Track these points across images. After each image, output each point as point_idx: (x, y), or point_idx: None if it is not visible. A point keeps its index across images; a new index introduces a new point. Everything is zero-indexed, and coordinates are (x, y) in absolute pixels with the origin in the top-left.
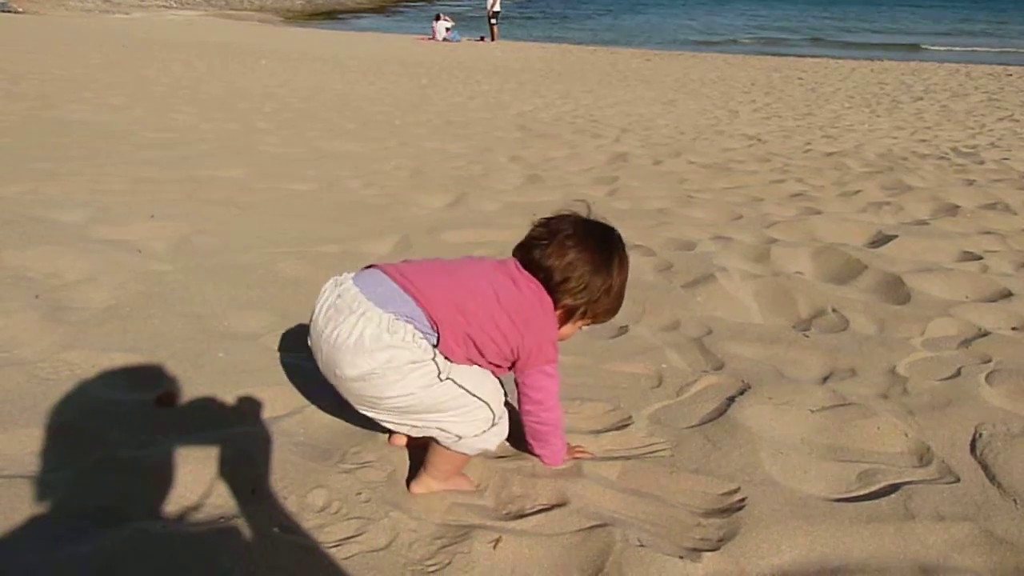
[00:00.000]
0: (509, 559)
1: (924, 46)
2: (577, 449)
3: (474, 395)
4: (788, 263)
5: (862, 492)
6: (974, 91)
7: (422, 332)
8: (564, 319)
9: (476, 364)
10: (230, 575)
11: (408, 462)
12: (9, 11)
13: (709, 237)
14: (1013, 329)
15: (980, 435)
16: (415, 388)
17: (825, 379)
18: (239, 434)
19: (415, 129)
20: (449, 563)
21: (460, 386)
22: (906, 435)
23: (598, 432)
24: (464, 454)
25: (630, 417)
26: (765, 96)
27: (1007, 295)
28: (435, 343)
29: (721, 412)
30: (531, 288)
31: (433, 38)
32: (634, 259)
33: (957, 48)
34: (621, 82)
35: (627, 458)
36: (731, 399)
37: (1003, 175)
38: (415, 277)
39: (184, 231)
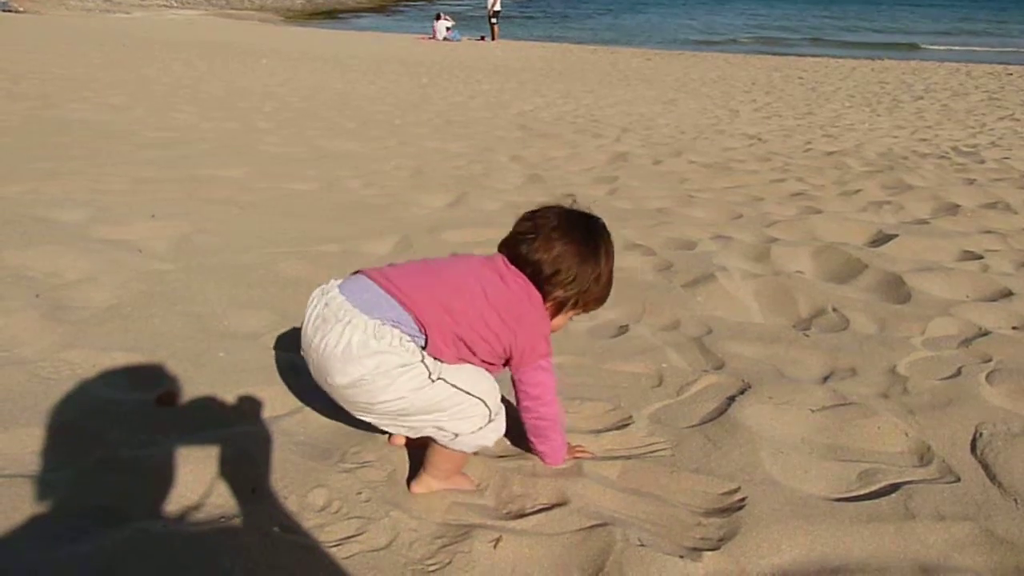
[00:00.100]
0: (509, 558)
1: (924, 45)
2: (577, 449)
3: (468, 393)
4: (788, 262)
5: (862, 492)
6: (975, 90)
7: (410, 335)
8: (555, 311)
9: (476, 363)
10: (230, 575)
11: (408, 462)
12: (10, 10)
13: (709, 236)
14: (1013, 328)
15: (980, 434)
16: (406, 391)
17: (825, 378)
18: (239, 433)
19: (415, 128)
20: (449, 562)
21: (452, 385)
22: (906, 434)
23: (598, 432)
24: (463, 452)
25: (630, 417)
26: (766, 95)
27: (1007, 294)
28: (423, 345)
29: (721, 412)
30: (519, 284)
31: (433, 37)
32: (634, 258)
33: (957, 48)
34: (622, 81)
35: (627, 457)
36: (731, 399)
37: (1004, 174)
38: (400, 281)
39: (185, 230)
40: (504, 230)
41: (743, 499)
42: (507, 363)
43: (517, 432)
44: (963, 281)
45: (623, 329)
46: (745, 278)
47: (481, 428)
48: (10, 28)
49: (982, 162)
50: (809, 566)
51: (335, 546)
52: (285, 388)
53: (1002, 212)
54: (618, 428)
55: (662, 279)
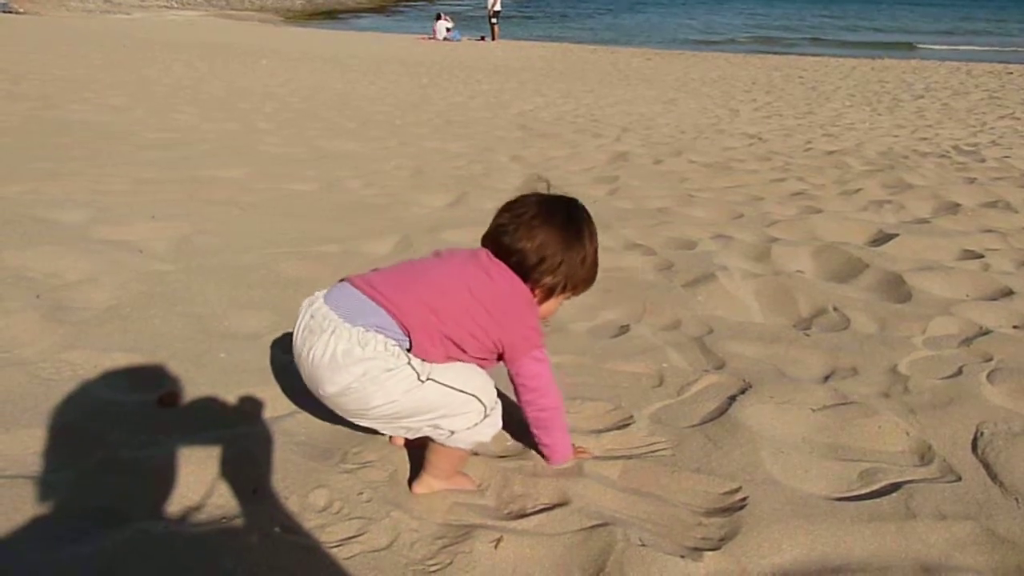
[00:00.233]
0: (510, 559)
1: (924, 45)
2: (579, 449)
3: (459, 390)
4: (789, 262)
5: (863, 491)
6: (975, 89)
7: (395, 340)
8: (545, 296)
9: (468, 360)
10: (232, 575)
11: (409, 462)
12: (10, 11)
13: (710, 236)
14: (1014, 327)
15: (981, 434)
16: (397, 394)
17: (826, 378)
18: (240, 434)
19: (416, 129)
20: (451, 563)
21: (443, 384)
22: (907, 434)
23: (599, 431)
24: (461, 449)
25: (631, 416)
26: (766, 95)
27: (1008, 293)
28: (408, 348)
29: (722, 411)
30: (504, 277)
31: (434, 38)
32: (635, 258)
33: (958, 47)
34: (622, 81)
35: (628, 457)
36: (732, 398)
37: (1004, 173)
38: (383, 286)
39: (185, 231)
40: None
41: (744, 499)
42: (500, 358)
43: (520, 430)
44: (964, 280)
45: (624, 329)
46: (745, 278)
47: (477, 424)
48: (10, 29)
49: (983, 161)
50: (810, 566)
51: (336, 546)
52: (286, 388)
53: (1003, 211)
54: (619, 428)
55: (663, 279)
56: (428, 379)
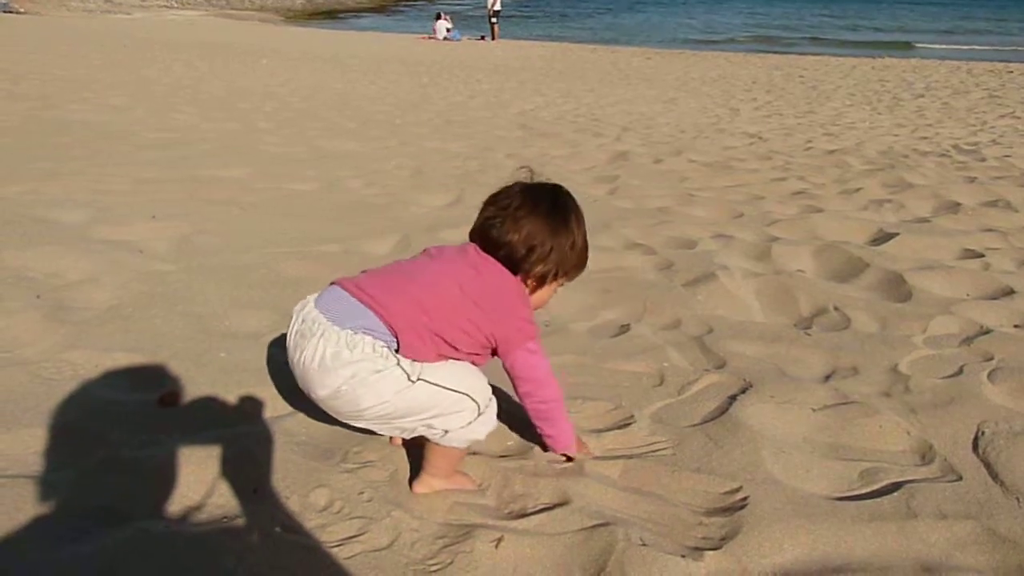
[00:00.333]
0: (511, 558)
1: (924, 44)
2: (581, 444)
3: (451, 390)
4: (789, 261)
5: (864, 491)
6: (975, 88)
7: (383, 341)
8: (538, 285)
9: (461, 357)
10: (233, 575)
11: (410, 461)
12: (11, 11)
13: (710, 235)
14: (1015, 327)
15: (982, 433)
16: (388, 396)
17: (827, 377)
18: (241, 434)
19: (416, 128)
20: (451, 562)
21: (434, 384)
22: (908, 433)
23: (600, 431)
24: (457, 448)
25: (632, 416)
26: (766, 94)
27: (1009, 293)
28: (397, 349)
29: (723, 411)
30: (493, 271)
31: (434, 37)
32: (635, 257)
33: (959, 46)
34: (622, 81)
35: (629, 457)
36: (733, 398)
37: (1004, 172)
38: (371, 287)
39: (185, 231)
40: None
41: (745, 498)
42: (495, 352)
43: (521, 430)
44: (964, 279)
45: (624, 328)
46: (746, 277)
47: (470, 423)
48: (11, 29)
49: (983, 160)
50: (811, 565)
51: (337, 546)
52: (286, 388)
53: (1003, 210)
54: (619, 427)
55: (663, 278)
56: (419, 379)
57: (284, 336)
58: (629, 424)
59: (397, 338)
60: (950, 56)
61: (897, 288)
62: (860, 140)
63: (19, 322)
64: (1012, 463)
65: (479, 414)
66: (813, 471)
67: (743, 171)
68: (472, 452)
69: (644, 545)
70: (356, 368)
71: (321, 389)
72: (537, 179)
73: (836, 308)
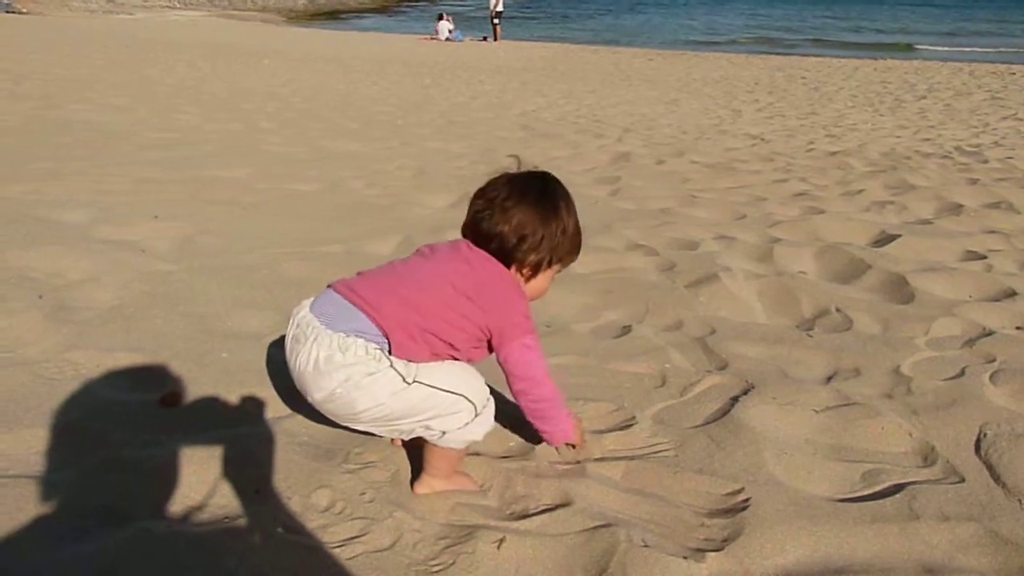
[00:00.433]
0: (513, 559)
1: (926, 46)
2: (577, 439)
3: (447, 391)
4: (791, 263)
5: (866, 492)
6: (977, 90)
7: (376, 344)
8: (532, 274)
9: (451, 357)
10: (234, 575)
11: (411, 462)
12: (13, 11)
13: (712, 237)
14: (1017, 328)
15: (985, 435)
16: (384, 398)
17: (829, 379)
18: (243, 434)
19: (418, 129)
20: (453, 563)
21: (430, 386)
22: (910, 435)
23: (602, 432)
24: (455, 449)
25: (634, 417)
26: (768, 95)
27: (1011, 294)
28: (390, 350)
29: (725, 412)
30: (486, 265)
31: (436, 38)
32: (637, 259)
33: (962, 48)
34: (624, 82)
35: (631, 458)
36: (735, 399)
37: (1007, 174)
38: (364, 289)
39: (187, 231)
40: None
41: (747, 500)
42: (492, 349)
43: (522, 430)
44: (966, 281)
45: (626, 329)
46: (748, 278)
47: (468, 424)
48: (13, 29)
49: (985, 162)
50: (813, 567)
51: (339, 547)
52: (288, 389)
53: (1005, 212)
54: (621, 429)
55: (665, 279)
56: (415, 381)
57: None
58: (631, 425)
59: (388, 339)
60: (952, 58)
61: (899, 290)
62: (862, 142)
63: (21, 322)
64: (1014, 465)
65: (476, 415)
66: (815, 472)
67: (745, 172)
68: (474, 453)
69: (646, 546)
70: (349, 371)
71: (316, 392)
72: (524, 167)
73: (838, 309)
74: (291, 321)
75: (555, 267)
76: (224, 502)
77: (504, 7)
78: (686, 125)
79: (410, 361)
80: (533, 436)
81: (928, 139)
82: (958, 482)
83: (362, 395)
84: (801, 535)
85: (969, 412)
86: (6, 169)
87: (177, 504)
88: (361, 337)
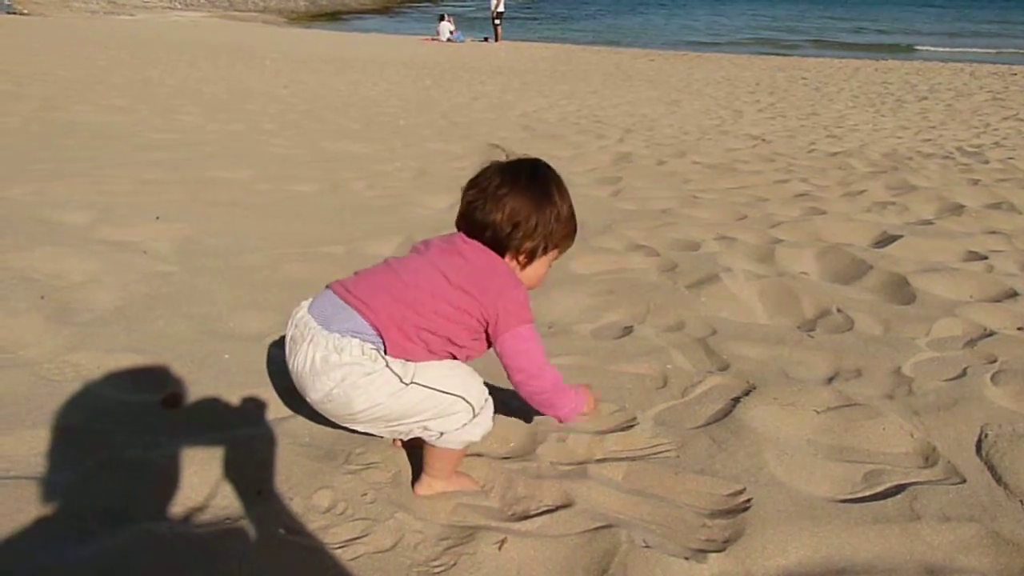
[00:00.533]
0: (514, 560)
1: (927, 46)
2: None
3: (445, 392)
4: (793, 263)
5: (868, 493)
6: (979, 90)
7: (372, 343)
8: (528, 261)
9: (449, 354)
10: None
11: (413, 463)
12: (14, 12)
13: (713, 237)
14: (1019, 329)
15: (986, 435)
16: (381, 398)
17: (830, 380)
18: (244, 435)
19: (419, 130)
20: (455, 564)
21: (427, 387)
22: (912, 436)
23: (603, 433)
24: (454, 450)
25: (635, 418)
26: (769, 96)
27: (1012, 295)
28: (385, 350)
29: (726, 413)
30: (479, 255)
31: (437, 39)
32: (639, 259)
33: (965, 49)
34: (625, 82)
35: (632, 459)
36: (736, 400)
37: (1008, 174)
38: (359, 289)
39: (189, 232)
40: None
41: (748, 500)
42: (491, 343)
43: (525, 430)
44: (968, 282)
45: (627, 330)
46: (749, 279)
47: (465, 425)
48: (14, 30)
49: (986, 162)
50: (814, 567)
51: (340, 548)
52: (289, 390)
53: (1007, 212)
54: (623, 429)
55: (666, 280)
56: (412, 382)
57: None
58: (632, 426)
59: (383, 338)
60: (953, 58)
61: (900, 290)
62: (863, 142)
63: (22, 323)
64: (1015, 466)
65: (474, 416)
66: (816, 473)
67: (746, 173)
68: (475, 454)
69: (647, 547)
70: (345, 371)
71: (314, 393)
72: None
73: (839, 310)
74: (290, 322)
75: (551, 253)
76: (225, 503)
77: (505, 8)
78: (687, 126)
79: (406, 360)
80: (534, 437)
81: (929, 140)
82: (959, 483)
83: (359, 395)
84: (803, 536)
85: (970, 413)
86: (8, 170)
87: (178, 505)
88: (357, 337)
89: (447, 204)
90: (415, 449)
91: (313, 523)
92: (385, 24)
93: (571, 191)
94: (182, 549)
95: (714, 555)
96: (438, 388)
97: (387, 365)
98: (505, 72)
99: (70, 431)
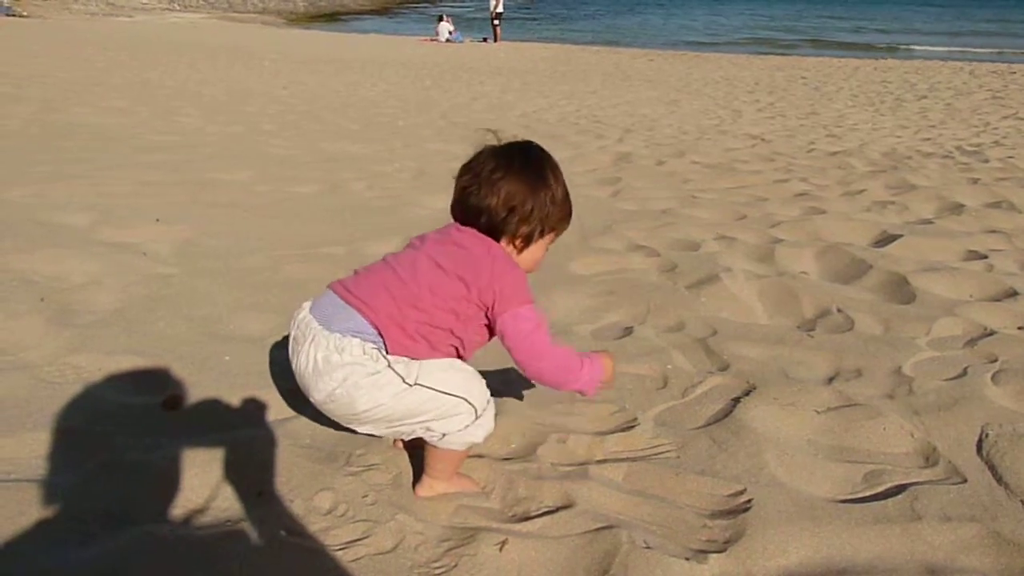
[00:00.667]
0: (515, 561)
1: (927, 46)
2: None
3: (448, 394)
4: (792, 263)
5: (868, 493)
6: (978, 89)
7: (372, 343)
8: (525, 245)
9: (451, 347)
10: None
11: (413, 465)
12: (13, 15)
13: (713, 237)
14: (1019, 328)
15: (986, 435)
16: (384, 399)
17: (831, 380)
18: (245, 437)
19: (418, 131)
20: (455, 565)
21: (431, 388)
22: (912, 435)
23: (603, 434)
24: (455, 451)
25: (635, 419)
26: (768, 96)
27: (1012, 294)
28: (386, 349)
29: (726, 413)
30: (475, 242)
31: (436, 39)
32: (639, 260)
33: (964, 48)
34: (624, 82)
35: (633, 460)
36: (736, 400)
37: (1008, 173)
38: (358, 288)
39: (189, 234)
40: None
41: (749, 501)
42: (492, 332)
43: (526, 431)
44: (968, 281)
45: (627, 331)
46: (749, 279)
47: (468, 426)
48: (14, 32)
49: (986, 161)
50: (815, 568)
51: (341, 549)
52: (290, 391)
53: (1007, 211)
54: (623, 430)
55: (666, 280)
56: (416, 383)
57: (288, 339)
58: (633, 427)
59: (382, 336)
60: (952, 57)
61: (900, 290)
62: (863, 141)
63: (23, 325)
64: (1016, 465)
65: (477, 417)
66: (817, 473)
67: (746, 173)
68: (476, 455)
69: (648, 548)
70: (347, 371)
71: (317, 393)
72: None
73: (839, 310)
74: (292, 322)
75: (548, 236)
76: (226, 505)
77: (504, 8)
78: (687, 125)
79: (407, 358)
80: (535, 438)
81: (929, 139)
82: (960, 483)
83: (362, 396)
84: (803, 536)
85: (971, 412)
86: (7, 172)
87: (179, 507)
88: (357, 337)
89: (446, 204)
90: (416, 450)
91: (314, 525)
92: (384, 25)
93: (571, 192)
94: (183, 551)
95: (715, 556)
96: (441, 389)
97: (389, 365)
98: (504, 72)
99: (71, 433)
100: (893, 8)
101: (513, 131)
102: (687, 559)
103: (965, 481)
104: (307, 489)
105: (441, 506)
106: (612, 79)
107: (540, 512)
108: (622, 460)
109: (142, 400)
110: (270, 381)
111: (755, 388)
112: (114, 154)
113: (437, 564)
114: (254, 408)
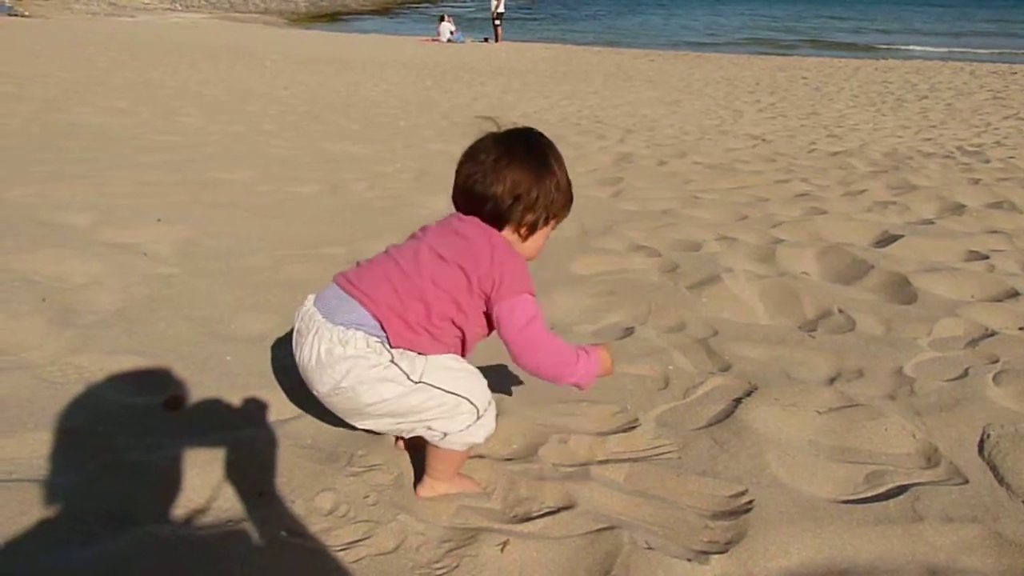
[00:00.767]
0: (517, 562)
1: (927, 46)
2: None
3: (451, 393)
4: (794, 263)
5: (870, 494)
6: (979, 89)
7: (376, 336)
8: (529, 232)
9: (454, 339)
10: None
11: (415, 465)
12: (15, 15)
13: (714, 238)
14: (1020, 329)
15: (988, 436)
16: (387, 395)
17: (832, 380)
18: (246, 437)
19: (420, 131)
20: (457, 566)
21: (435, 386)
22: (914, 436)
23: (604, 434)
24: (456, 451)
25: (637, 419)
26: (770, 96)
27: (1014, 295)
28: (389, 342)
29: (728, 414)
30: (477, 232)
31: (437, 40)
32: (640, 260)
33: (965, 49)
34: (625, 83)
35: (634, 460)
36: (738, 401)
37: (1009, 174)
38: (360, 280)
39: (190, 234)
40: None
41: (750, 501)
42: (492, 325)
43: (527, 431)
44: (969, 281)
45: (629, 331)
46: (750, 279)
47: (469, 426)
48: (16, 32)
49: (987, 161)
50: (817, 568)
51: (342, 550)
52: (292, 391)
53: (1008, 212)
54: (624, 431)
55: (668, 281)
56: (421, 381)
57: (289, 339)
58: (634, 427)
59: (385, 329)
60: (953, 58)
61: (902, 290)
62: (864, 142)
63: (24, 325)
64: (1018, 466)
65: (478, 418)
66: (819, 474)
67: (747, 173)
68: (477, 455)
69: (650, 549)
70: (350, 364)
71: (321, 386)
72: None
73: (841, 310)
74: (296, 315)
75: (551, 224)
76: (227, 505)
77: (505, 9)
78: (688, 126)
79: (411, 351)
80: (536, 438)
81: (930, 139)
82: (962, 483)
83: (367, 390)
84: (805, 537)
85: (972, 413)
86: (8, 172)
87: (180, 507)
88: (361, 329)
89: (448, 205)
90: (417, 451)
91: (315, 525)
92: (385, 25)
93: (572, 192)
94: (184, 551)
95: (716, 556)
96: (444, 388)
97: (392, 360)
98: (505, 73)
99: (72, 433)
100: (893, 8)
101: None
102: (689, 560)
103: (967, 482)
104: (308, 489)
105: (442, 507)
106: (613, 79)
107: (541, 513)
108: (623, 461)
109: (143, 400)
110: (271, 381)
111: (756, 389)
112: (115, 154)
113: (439, 565)
114: (255, 408)
